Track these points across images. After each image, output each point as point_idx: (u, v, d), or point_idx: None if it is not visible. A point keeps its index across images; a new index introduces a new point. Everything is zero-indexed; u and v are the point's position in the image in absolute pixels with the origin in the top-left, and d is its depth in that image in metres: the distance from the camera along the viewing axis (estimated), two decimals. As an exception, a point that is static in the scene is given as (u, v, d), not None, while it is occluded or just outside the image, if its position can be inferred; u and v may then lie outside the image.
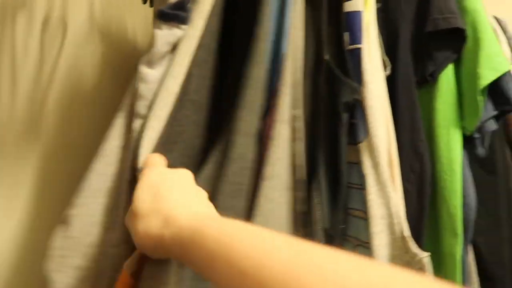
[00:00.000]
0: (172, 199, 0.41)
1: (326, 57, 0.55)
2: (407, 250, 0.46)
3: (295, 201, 0.49)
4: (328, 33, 0.57)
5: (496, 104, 0.67)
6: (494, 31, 0.91)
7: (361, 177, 0.50)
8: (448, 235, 0.67)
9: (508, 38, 0.96)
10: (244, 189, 0.46)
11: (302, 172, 0.49)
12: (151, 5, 0.77)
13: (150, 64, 0.52)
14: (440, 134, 0.68)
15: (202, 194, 0.44)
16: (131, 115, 0.50)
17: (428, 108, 0.70)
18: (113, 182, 0.48)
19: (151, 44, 0.52)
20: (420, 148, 0.67)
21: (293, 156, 0.50)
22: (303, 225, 0.47)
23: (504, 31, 0.96)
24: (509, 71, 0.66)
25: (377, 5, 0.75)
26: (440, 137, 0.68)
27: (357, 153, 0.51)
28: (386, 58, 0.68)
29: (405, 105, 0.68)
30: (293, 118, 0.52)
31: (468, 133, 0.68)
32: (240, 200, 0.46)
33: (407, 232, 0.47)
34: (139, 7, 0.94)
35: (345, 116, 0.52)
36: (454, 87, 0.69)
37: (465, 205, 0.67)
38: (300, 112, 0.52)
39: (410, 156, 0.66)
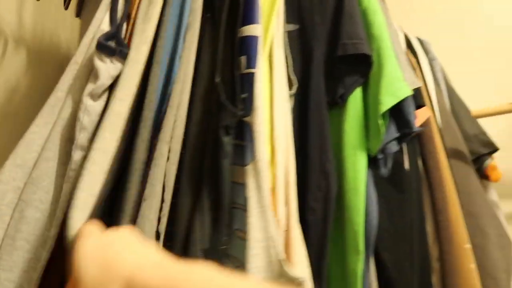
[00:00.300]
0: (126, 258, 0.36)
1: (217, 79, 0.57)
2: (282, 273, 0.48)
3: (158, 221, 0.50)
4: (225, 56, 0.59)
5: (398, 127, 0.70)
6: (414, 53, 0.95)
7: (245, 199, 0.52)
8: (351, 252, 0.69)
9: (430, 59, 1.01)
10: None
11: (169, 194, 0.51)
12: (66, 8, 0.77)
13: (94, 97, 0.53)
14: (347, 154, 0.71)
15: (153, 248, 0.39)
16: (63, 143, 0.52)
17: (337, 129, 0.73)
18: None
19: (95, 76, 0.53)
20: (327, 168, 0.69)
21: (164, 176, 0.51)
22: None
23: (426, 52, 1.00)
24: (409, 96, 0.69)
25: (294, 26, 0.77)
26: (347, 157, 0.71)
27: (244, 175, 0.53)
28: (294, 77, 0.71)
29: (316, 125, 0.71)
30: (171, 139, 0.53)
31: (372, 154, 0.71)
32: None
33: (282, 255, 0.49)
34: (73, 20, 0.94)
35: (226, 139, 0.54)
36: (362, 110, 0.72)
37: (367, 223, 0.70)
38: (178, 133, 0.54)
39: (318, 176, 0.69)
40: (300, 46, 0.76)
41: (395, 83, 0.67)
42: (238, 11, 0.63)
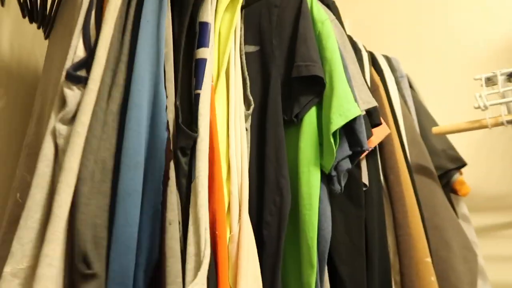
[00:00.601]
0: None
1: (177, 102, 0.60)
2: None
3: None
4: (183, 78, 0.63)
5: (350, 145, 0.73)
6: (380, 71, 0.98)
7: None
8: (306, 266, 0.72)
9: (397, 77, 1.04)
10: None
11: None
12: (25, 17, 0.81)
13: (65, 122, 0.57)
14: (302, 171, 0.74)
15: None
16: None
17: (294, 146, 0.76)
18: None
19: (63, 102, 0.58)
20: (282, 183, 0.72)
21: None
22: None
23: (393, 69, 1.03)
24: (360, 116, 0.72)
25: (255, 48, 0.81)
26: (301, 174, 0.74)
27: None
28: (251, 98, 0.74)
29: (272, 143, 0.74)
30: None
31: (326, 171, 0.74)
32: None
33: (203, 272, 0.52)
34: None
35: (183, 160, 0.57)
36: (317, 128, 0.75)
37: (320, 237, 0.72)
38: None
39: (274, 190, 0.72)
40: (259, 67, 0.80)
41: (344, 104, 0.71)
42: (194, 36, 0.67)
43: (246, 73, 0.75)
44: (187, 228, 0.56)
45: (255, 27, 0.82)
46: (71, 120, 0.57)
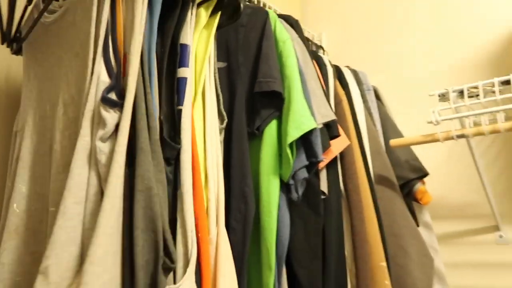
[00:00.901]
0: None
1: (161, 117, 0.66)
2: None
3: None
4: (166, 95, 0.68)
5: (307, 156, 0.79)
6: (346, 84, 1.04)
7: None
8: (265, 268, 0.77)
9: (363, 89, 1.09)
10: None
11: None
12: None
13: (104, 140, 0.62)
14: (262, 180, 0.80)
15: None
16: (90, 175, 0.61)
17: (256, 157, 0.82)
18: (75, 233, 0.58)
19: (103, 124, 0.63)
20: (246, 192, 0.78)
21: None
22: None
23: (359, 83, 1.09)
24: (315, 129, 0.78)
25: (223, 64, 0.87)
26: (262, 182, 0.80)
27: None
28: (224, 113, 0.79)
29: (237, 154, 0.80)
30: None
31: (284, 180, 0.79)
32: None
33: (189, 272, 0.58)
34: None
35: (168, 169, 0.63)
36: (277, 140, 0.81)
37: (278, 242, 0.78)
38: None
39: (239, 198, 0.78)
40: (226, 82, 0.85)
41: (299, 118, 0.76)
42: (176, 56, 0.73)
43: (219, 90, 0.80)
44: (173, 231, 0.62)
45: (223, 44, 0.88)
46: (109, 139, 0.63)
